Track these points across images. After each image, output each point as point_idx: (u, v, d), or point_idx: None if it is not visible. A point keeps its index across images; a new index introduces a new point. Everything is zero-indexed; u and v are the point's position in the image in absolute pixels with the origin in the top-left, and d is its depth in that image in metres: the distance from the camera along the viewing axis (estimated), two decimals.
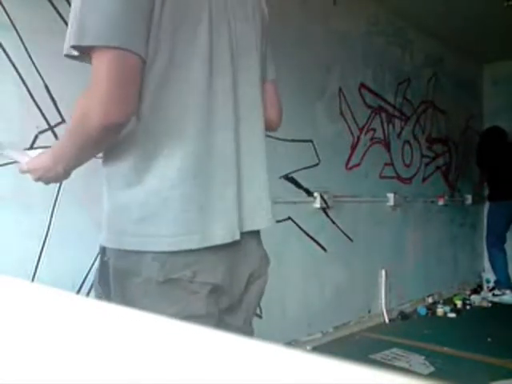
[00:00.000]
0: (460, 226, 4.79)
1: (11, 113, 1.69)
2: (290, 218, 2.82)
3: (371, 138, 3.58)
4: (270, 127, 1.14)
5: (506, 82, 5.03)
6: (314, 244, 3.00)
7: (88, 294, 1.79)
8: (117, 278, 0.87)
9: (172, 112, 0.85)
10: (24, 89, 1.72)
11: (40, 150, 1.02)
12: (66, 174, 0.97)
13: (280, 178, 2.80)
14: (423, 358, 2.71)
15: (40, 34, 1.69)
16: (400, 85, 3.95)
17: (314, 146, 3.02)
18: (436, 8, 3.69)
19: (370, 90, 3.58)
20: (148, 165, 0.84)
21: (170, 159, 0.84)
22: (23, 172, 1.00)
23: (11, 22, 1.69)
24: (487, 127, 4.81)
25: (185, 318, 0.27)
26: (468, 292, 4.45)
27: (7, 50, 1.68)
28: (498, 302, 4.13)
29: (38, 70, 1.74)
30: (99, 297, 0.95)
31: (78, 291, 1.80)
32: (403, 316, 3.61)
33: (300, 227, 2.89)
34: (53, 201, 1.77)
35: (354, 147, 3.39)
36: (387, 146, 3.77)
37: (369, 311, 3.46)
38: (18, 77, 1.71)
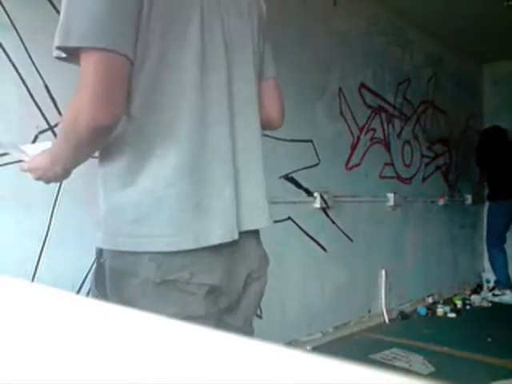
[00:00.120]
0: (460, 226, 4.79)
1: (11, 113, 1.69)
2: (290, 217, 2.82)
3: (371, 138, 3.58)
4: (270, 125, 1.12)
5: (506, 81, 5.03)
6: (314, 244, 3.00)
7: (88, 294, 1.79)
8: (113, 279, 0.87)
9: (164, 112, 0.84)
10: (24, 89, 1.72)
11: (41, 145, 1.02)
12: (66, 174, 0.97)
13: (280, 178, 2.80)
14: (423, 358, 2.71)
15: (40, 34, 1.69)
16: (400, 85, 3.95)
17: (314, 146, 3.02)
18: (436, 8, 3.69)
19: (370, 90, 3.58)
20: (141, 165, 0.84)
21: (163, 159, 0.83)
22: (24, 171, 1.00)
23: (11, 22, 1.69)
24: (487, 127, 4.81)
25: (183, 319, 0.27)
26: (468, 292, 4.45)
27: (7, 50, 1.68)
28: (498, 302, 4.13)
29: (37, 70, 1.74)
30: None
31: (78, 291, 1.80)
32: (403, 316, 3.61)
33: (300, 227, 2.89)
34: (53, 201, 1.77)
35: (354, 147, 3.39)
36: (387, 146, 3.77)
37: (369, 311, 3.46)
38: (18, 77, 1.70)
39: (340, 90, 3.26)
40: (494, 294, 4.25)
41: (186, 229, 0.84)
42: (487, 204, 4.72)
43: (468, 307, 3.96)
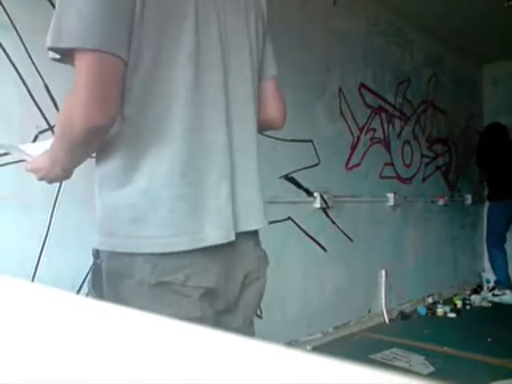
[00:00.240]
0: (460, 226, 4.79)
1: (11, 113, 1.69)
2: (290, 218, 2.82)
3: (371, 138, 3.58)
4: (272, 126, 1.11)
5: (506, 81, 5.03)
6: (314, 244, 3.00)
7: (88, 294, 1.79)
8: (110, 280, 0.86)
9: (159, 112, 0.83)
10: (24, 89, 1.72)
11: (41, 144, 1.03)
12: (67, 174, 0.97)
13: (280, 177, 2.80)
14: (423, 358, 2.71)
15: (40, 34, 1.68)
16: (400, 85, 3.95)
17: (314, 146, 3.02)
18: (436, 8, 3.69)
19: (370, 90, 3.58)
20: (137, 164, 0.83)
21: (158, 157, 0.83)
22: (28, 171, 1.01)
23: (11, 22, 1.69)
24: (488, 123, 4.76)
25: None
26: (468, 292, 4.45)
27: (7, 50, 1.68)
28: (498, 302, 4.13)
29: (37, 70, 1.74)
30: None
31: (78, 291, 1.80)
32: (403, 316, 3.61)
33: (300, 227, 2.89)
34: (53, 201, 1.77)
35: (354, 147, 3.39)
36: (387, 146, 3.77)
37: (369, 311, 3.46)
38: (18, 77, 1.71)
39: (340, 90, 3.26)
40: (494, 294, 4.25)
41: (181, 230, 0.83)
42: (487, 204, 4.72)
43: (468, 307, 3.96)
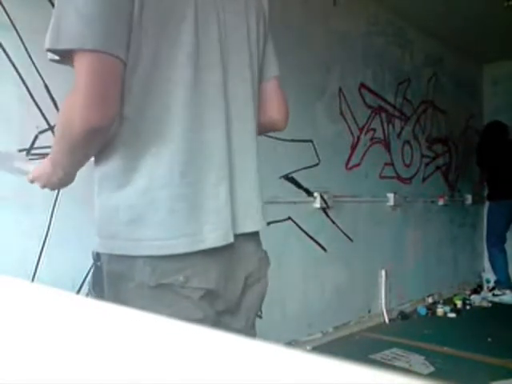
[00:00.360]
0: (460, 225, 4.79)
1: (11, 113, 1.69)
2: (290, 217, 2.82)
3: (371, 138, 3.58)
4: (274, 128, 1.10)
5: (506, 81, 5.03)
6: (314, 244, 3.00)
7: (88, 294, 1.79)
8: (111, 282, 0.86)
9: (158, 112, 0.83)
10: (24, 89, 1.72)
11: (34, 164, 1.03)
12: (69, 177, 0.96)
13: (280, 178, 2.80)
14: (423, 358, 2.71)
15: (40, 34, 1.68)
16: (400, 85, 3.95)
17: (314, 146, 3.02)
18: (436, 8, 3.69)
19: (370, 90, 3.58)
20: (136, 165, 0.82)
21: (158, 158, 0.82)
22: (31, 182, 1.00)
23: (11, 22, 1.69)
24: (488, 122, 4.73)
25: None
26: (468, 292, 4.45)
27: (7, 50, 1.68)
28: (498, 302, 4.13)
29: (37, 70, 1.74)
30: None
31: (78, 291, 1.80)
32: (403, 316, 3.61)
33: (300, 227, 2.90)
34: (53, 201, 1.77)
35: (354, 147, 3.39)
36: (387, 146, 3.77)
37: (369, 311, 3.46)
38: (18, 77, 1.71)
39: (340, 90, 3.26)
40: (494, 294, 4.24)
41: (181, 232, 0.82)
42: (487, 204, 4.72)
43: (468, 307, 3.96)
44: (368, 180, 3.53)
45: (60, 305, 0.33)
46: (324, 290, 3.07)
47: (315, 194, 2.99)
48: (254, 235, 1.01)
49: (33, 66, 1.73)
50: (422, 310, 3.76)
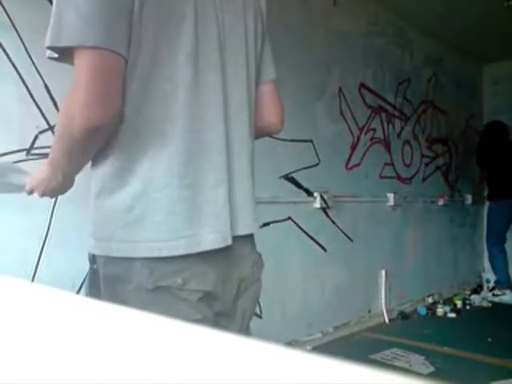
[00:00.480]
0: (460, 225, 4.79)
1: (11, 113, 1.69)
2: (290, 218, 2.82)
3: (371, 138, 3.58)
4: (269, 131, 1.09)
5: (506, 81, 5.03)
6: (314, 244, 3.00)
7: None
8: (107, 285, 0.85)
9: (157, 112, 0.82)
10: (24, 89, 1.72)
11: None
12: (68, 181, 0.95)
13: (280, 178, 2.80)
14: (423, 358, 2.71)
15: (40, 34, 1.69)
16: (400, 85, 3.95)
17: (314, 146, 3.02)
18: (436, 8, 3.69)
19: (370, 90, 3.58)
20: (133, 167, 0.81)
21: (155, 160, 0.81)
22: (29, 193, 0.99)
23: (11, 22, 1.69)
24: (489, 121, 4.72)
25: None
26: (468, 292, 4.44)
27: (7, 50, 1.68)
28: (498, 302, 4.13)
29: (37, 70, 1.74)
30: None
31: (78, 291, 1.80)
32: (403, 316, 3.61)
33: (300, 227, 2.89)
34: (53, 201, 1.77)
35: (354, 147, 3.39)
36: (387, 146, 3.77)
37: (369, 311, 3.46)
38: (18, 77, 1.71)
39: (340, 90, 3.26)
40: (494, 294, 4.24)
41: (179, 234, 0.81)
42: (487, 204, 4.72)
43: (468, 307, 3.96)
44: (368, 180, 3.53)
45: (60, 305, 0.33)
46: (324, 290, 3.07)
47: (315, 194, 2.99)
48: (249, 238, 1.00)
49: (33, 66, 1.73)
50: (422, 310, 3.76)
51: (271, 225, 2.69)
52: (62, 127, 0.80)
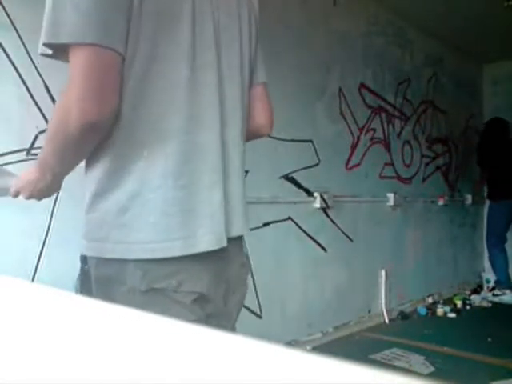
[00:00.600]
0: (460, 225, 4.79)
1: (11, 113, 1.69)
2: (290, 218, 2.82)
3: (371, 138, 3.58)
4: (259, 132, 1.09)
5: (506, 81, 5.03)
6: (314, 244, 3.00)
7: None
8: (99, 287, 0.84)
9: (153, 111, 0.81)
10: (24, 89, 1.72)
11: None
12: (57, 183, 0.94)
13: (280, 178, 2.80)
14: (423, 358, 2.71)
15: (40, 34, 1.69)
16: (400, 85, 3.95)
17: (314, 146, 3.02)
18: (436, 8, 3.69)
19: (370, 90, 3.59)
20: (128, 167, 0.80)
21: (150, 161, 0.80)
22: (15, 196, 0.98)
23: (11, 22, 1.69)
24: (490, 118, 4.68)
25: None
26: (468, 292, 4.45)
27: (7, 50, 1.68)
28: (498, 302, 4.13)
29: (37, 70, 1.74)
30: None
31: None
32: (403, 316, 3.61)
33: (300, 227, 2.89)
34: (53, 201, 1.77)
35: (354, 147, 3.39)
36: (387, 146, 3.77)
37: (369, 311, 3.46)
38: (18, 77, 1.71)
39: (340, 90, 3.26)
40: (494, 294, 4.24)
41: (173, 235, 0.80)
42: (487, 204, 4.72)
43: (468, 307, 3.96)
44: (368, 180, 3.53)
45: (60, 305, 0.33)
46: (324, 290, 3.07)
47: (315, 194, 2.99)
48: (239, 240, 0.99)
49: (33, 65, 1.73)
50: (422, 310, 3.76)
51: (271, 225, 2.69)
52: (57, 124, 0.79)
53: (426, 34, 4.18)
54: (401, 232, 3.87)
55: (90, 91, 0.73)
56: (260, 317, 2.54)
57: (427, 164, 4.33)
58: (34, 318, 0.30)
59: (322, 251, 3.05)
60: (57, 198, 1.78)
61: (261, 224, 2.62)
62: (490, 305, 4.06)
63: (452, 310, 3.77)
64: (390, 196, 3.69)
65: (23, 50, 1.71)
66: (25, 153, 1.72)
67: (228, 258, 0.93)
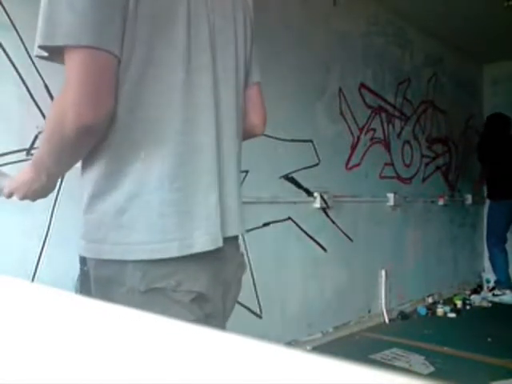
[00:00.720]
0: (460, 225, 4.79)
1: (11, 113, 1.69)
2: (290, 218, 2.82)
3: (371, 138, 3.58)
4: (253, 132, 1.10)
5: (506, 81, 5.03)
6: (314, 244, 3.00)
7: None
8: (99, 287, 0.84)
9: (149, 113, 0.81)
10: (24, 89, 1.72)
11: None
12: (51, 184, 0.94)
13: (280, 178, 2.80)
14: (423, 358, 2.71)
15: None
16: (400, 85, 3.95)
17: (314, 146, 3.02)
18: (436, 8, 3.69)
19: (370, 90, 3.59)
20: (125, 169, 0.80)
21: (147, 162, 0.80)
22: (8, 196, 0.98)
23: (11, 21, 1.69)
24: (491, 113, 4.64)
25: None
26: (468, 292, 4.45)
27: (7, 50, 1.68)
28: (498, 302, 4.13)
29: (37, 70, 1.74)
30: None
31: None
32: (403, 316, 3.61)
33: (300, 227, 2.89)
34: (53, 201, 1.77)
35: (354, 147, 3.39)
36: (387, 146, 3.77)
37: (369, 311, 3.46)
38: (18, 77, 1.71)
39: (340, 90, 3.26)
40: (494, 294, 4.24)
41: (171, 236, 0.81)
42: (487, 204, 4.71)
43: (468, 307, 3.96)
44: (368, 180, 3.53)
45: (60, 305, 0.33)
46: (324, 290, 3.07)
47: (315, 194, 2.99)
48: (235, 240, 1.00)
49: (33, 66, 1.73)
50: (422, 310, 3.76)
51: (271, 225, 2.69)
52: (53, 126, 0.79)
53: (425, 33, 4.18)
54: (401, 232, 3.87)
55: (85, 95, 0.73)
56: (260, 317, 2.54)
57: (427, 164, 4.33)
58: (34, 318, 0.30)
59: (322, 251, 3.05)
60: (57, 198, 1.78)
61: (261, 224, 2.62)
62: (490, 305, 4.06)
63: (452, 310, 3.77)
64: (390, 196, 3.69)
65: (23, 49, 1.71)
66: (25, 153, 1.72)
67: (225, 259, 0.93)
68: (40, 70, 1.74)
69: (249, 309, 2.47)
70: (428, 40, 4.27)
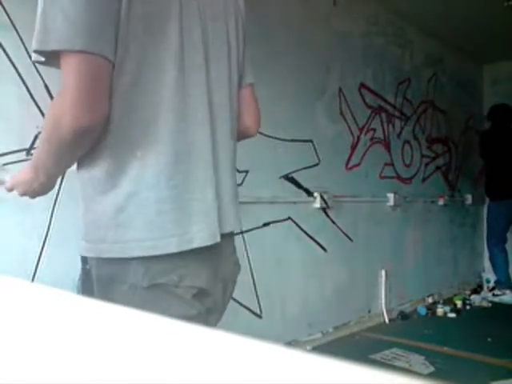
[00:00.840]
0: (460, 225, 4.79)
1: (11, 113, 1.69)
2: (290, 218, 2.82)
3: (371, 138, 3.58)
4: (246, 133, 1.11)
5: (506, 81, 5.03)
6: (314, 244, 3.00)
7: None
8: (101, 286, 0.85)
9: (144, 113, 0.83)
10: (24, 89, 1.72)
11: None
12: (50, 183, 0.96)
13: (280, 177, 2.80)
14: (423, 358, 2.71)
15: None
16: (400, 85, 3.95)
17: (314, 146, 3.02)
18: (436, 8, 3.69)
19: (370, 90, 3.59)
20: (122, 168, 0.82)
21: (144, 161, 0.82)
22: (9, 190, 1.00)
23: (11, 21, 1.69)
24: (495, 104, 4.55)
25: None
26: (468, 292, 4.44)
27: (7, 50, 1.68)
28: (498, 302, 4.13)
29: (37, 70, 1.74)
30: None
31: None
32: (403, 316, 3.61)
33: (300, 227, 2.89)
34: (53, 201, 1.77)
35: (354, 147, 3.39)
36: (387, 146, 3.77)
37: (369, 311, 3.46)
38: (18, 77, 1.71)
39: (340, 90, 3.26)
40: (494, 294, 4.24)
41: (169, 232, 0.82)
42: (487, 204, 4.71)
43: (468, 307, 3.96)
44: (368, 180, 3.53)
45: (60, 305, 0.33)
46: (324, 290, 3.07)
47: (315, 194, 2.99)
48: (231, 238, 1.02)
49: (33, 66, 1.73)
50: (422, 310, 3.76)
51: (271, 225, 2.69)
52: (51, 129, 0.81)
53: (426, 33, 4.18)
54: (401, 232, 3.87)
55: (81, 99, 0.75)
56: (260, 317, 2.54)
57: (427, 164, 4.33)
58: (34, 318, 0.30)
59: (322, 251, 3.05)
60: (57, 198, 1.78)
61: (261, 224, 2.62)
62: (490, 305, 4.06)
63: (452, 310, 3.77)
64: (390, 196, 3.69)
65: (23, 49, 1.71)
66: (25, 153, 1.72)
67: (221, 255, 0.95)
68: (40, 70, 1.74)
69: (249, 309, 2.47)
70: (428, 40, 4.27)
